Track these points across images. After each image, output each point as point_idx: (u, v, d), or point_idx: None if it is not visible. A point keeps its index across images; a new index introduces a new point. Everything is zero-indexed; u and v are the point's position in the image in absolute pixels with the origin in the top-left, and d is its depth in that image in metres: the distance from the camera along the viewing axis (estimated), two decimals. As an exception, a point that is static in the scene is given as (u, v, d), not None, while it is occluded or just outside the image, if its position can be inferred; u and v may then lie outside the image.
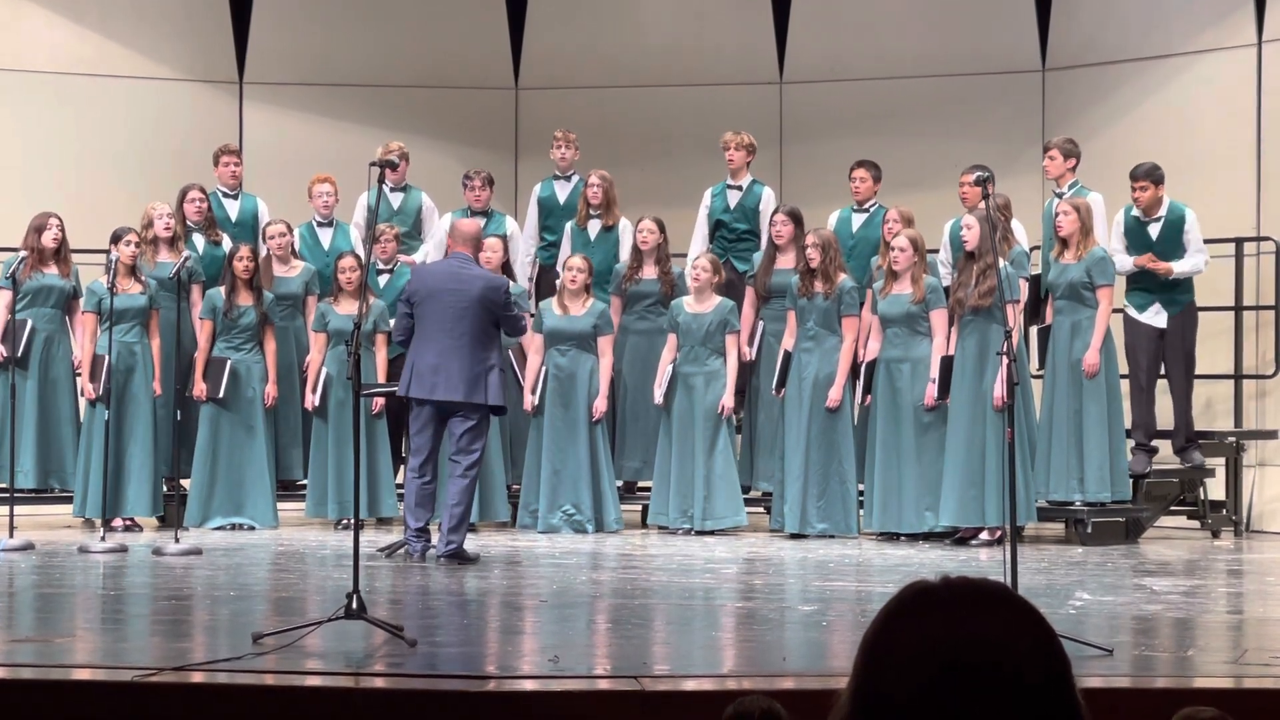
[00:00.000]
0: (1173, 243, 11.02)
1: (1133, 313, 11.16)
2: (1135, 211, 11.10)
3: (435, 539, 9.78)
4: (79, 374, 11.34)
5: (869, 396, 10.86)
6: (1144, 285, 11.12)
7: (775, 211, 11.64)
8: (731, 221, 12.12)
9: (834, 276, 10.99)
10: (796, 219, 11.48)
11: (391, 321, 11.67)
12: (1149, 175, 11.01)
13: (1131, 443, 11.12)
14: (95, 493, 10.82)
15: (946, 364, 10.56)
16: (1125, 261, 11.03)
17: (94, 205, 12.76)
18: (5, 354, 11.21)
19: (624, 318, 11.76)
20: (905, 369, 10.74)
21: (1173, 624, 7.39)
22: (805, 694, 5.35)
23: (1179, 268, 10.96)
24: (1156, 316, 11.10)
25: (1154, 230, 11.07)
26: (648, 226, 11.66)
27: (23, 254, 11.22)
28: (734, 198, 12.13)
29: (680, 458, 11.20)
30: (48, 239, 11.38)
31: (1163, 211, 11.06)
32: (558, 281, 11.67)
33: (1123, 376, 10.98)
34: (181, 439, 11.21)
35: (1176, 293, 11.09)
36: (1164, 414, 11.32)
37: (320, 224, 12.27)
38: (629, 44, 14.36)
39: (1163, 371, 11.24)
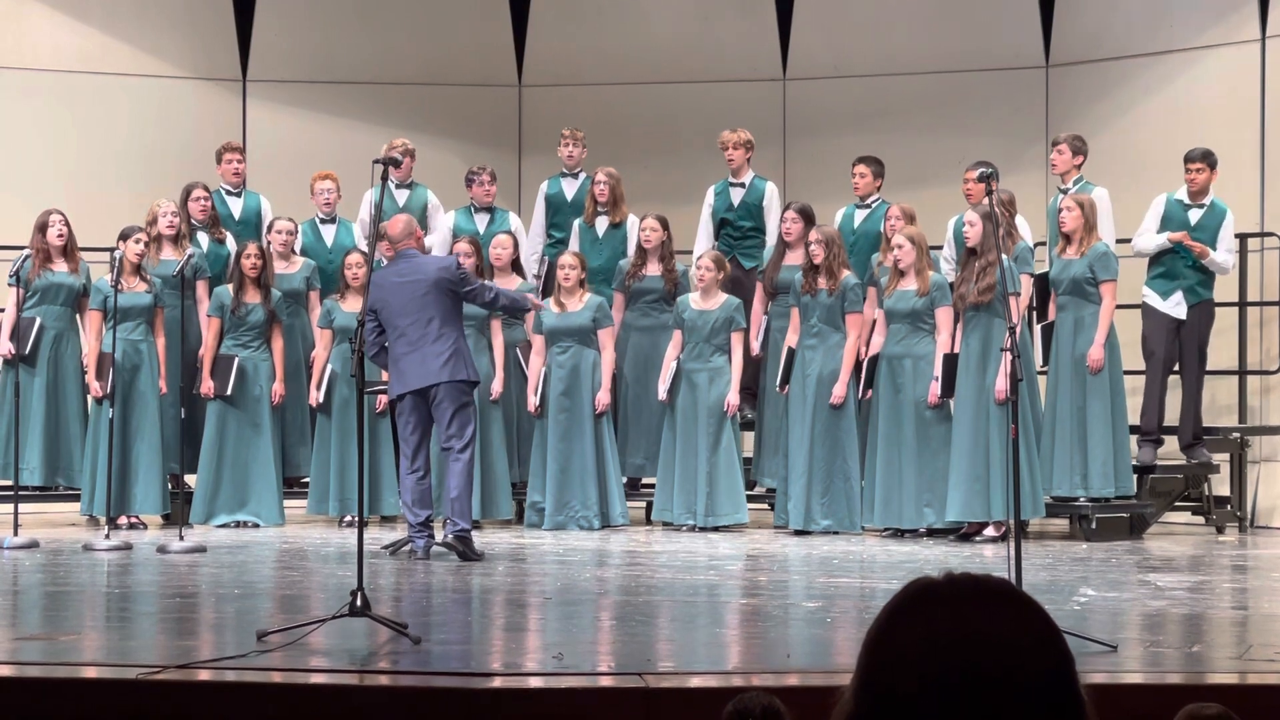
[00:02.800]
0: (1209, 233, 11.10)
1: (1154, 301, 11.16)
2: (1180, 195, 11.14)
3: (438, 535, 9.80)
4: (87, 371, 11.35)
5: (869, 391, 10.85)
6: (1169, 271, 11.12)
7: (787, 208, 11.64)
8: (735, 219, 12.12)
9: (838, 273, 10.98)
10: (807, 216, 11.48)
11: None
12: (1204, 158, 11.11)
13: (1138, 435, 11.13)
14: (103, 490, 10.82)
15: (950, 362, 10.55)
16: (1156, 239, 11.07)
17: (97, 203, 12.76)
18: (13, 351, 11.21)
19: (627, 314, 11.77)
20: (907, 365, 10.73)
21: (1177, 620, 7.38)
22: (809, 690, 5.34)
23: (1215, 255, 11.03)
24: (1177, 307, 11.11)
25: (1195, 215, 11.13)
26: (650, 225, 11.67)
27: (27, 253, 11.22)
28: (736, 195, 12.14)
29: (684, 454, 11.21)
30: (52, 236, 11.39)
31: (1208, 200, 11.12)
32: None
33: (1127, 372, 10.98)
34: (188, 437, 11.22)
35: (1199, 284, 11.12)
36: (1170, 409, 11.32)
37: (323, 221, 12.28)
38: (632, 41, 14.35)
39: (1175, 366, 11.25)
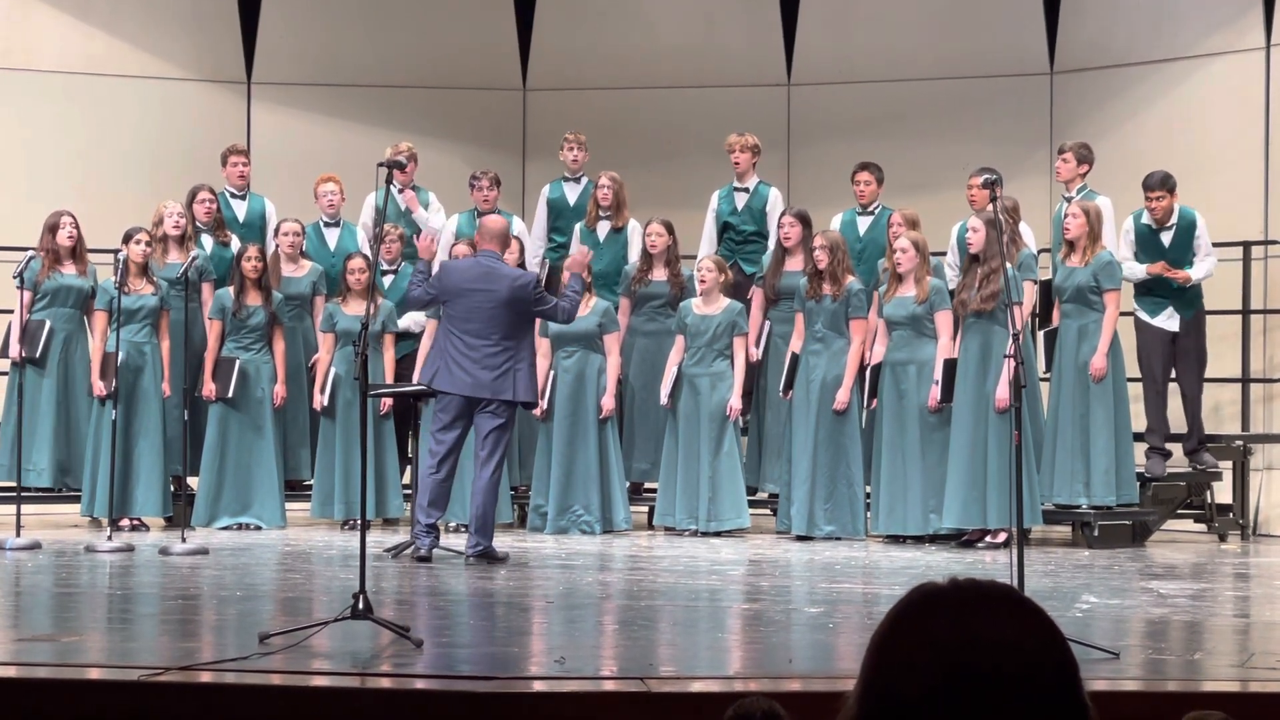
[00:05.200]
0: (1184, 248, 11.05)
1: (1144, 317, 11.16)
2: (1147, 219, 11.10)
3: (444, 539, 9.81)
4: (92, 372, 11.35)
5: (875, 399, 10.86)
6: (1156, 292, 11.12)
7: (783, 213, 11.65)
8: (739, 224, 12.12)
9: (842, 278, 10.99)
10: (805, 221, 11.49)
11: (399, 321, 11.69)
12: (1163, 184, 11.01)
13: (1146, 446, 11.13)
14: (104, 492, 10.82)
15: (950, 366, 10.55)
16: (1137, 269, 11.03)
17: (101, 205, 12.76)
18: (24, 354, 11.20)
19: (632, 319, 11.77)
20: (911, 371, 10.74)
21: (1180, 627, 7.38)
22: (811, 696, 5.35)
23: (1195, 274, 10.99)
24: (1169, 320, 11.11)
25: (1166, 238, 11.08)
26: (656, 230, 11.67)
27: (32, 253, 11.22)
28: (741, 199, 12.14)
29: (686, 459, 11.21)
30: (63, 238, 11.39)
31: (1174, 219, 11.07)
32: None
33: (1131, 380, 10.98)
34: (190, 439, 11.22)
35: (1188, 297, 11.11)
36: (1172, 417, 11.32)
37: (327, 224, 12.29)
38: (637, 45, 14.36)
39: (1173, 375, 11.25)
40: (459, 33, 14.40)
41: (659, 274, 11.73)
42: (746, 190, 12.15)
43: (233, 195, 12.33)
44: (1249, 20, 12.50)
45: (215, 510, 11.40)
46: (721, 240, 12.16)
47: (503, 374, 9.46)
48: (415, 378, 11.06)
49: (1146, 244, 11.10)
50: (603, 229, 12.14)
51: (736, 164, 12.12)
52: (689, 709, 5.38)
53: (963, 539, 10.60)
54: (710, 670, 6.28)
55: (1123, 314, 11.01)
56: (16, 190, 13.08)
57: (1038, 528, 10.98)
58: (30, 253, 11.23)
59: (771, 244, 11.84)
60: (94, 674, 5.92)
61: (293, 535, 11.17)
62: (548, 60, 14.45)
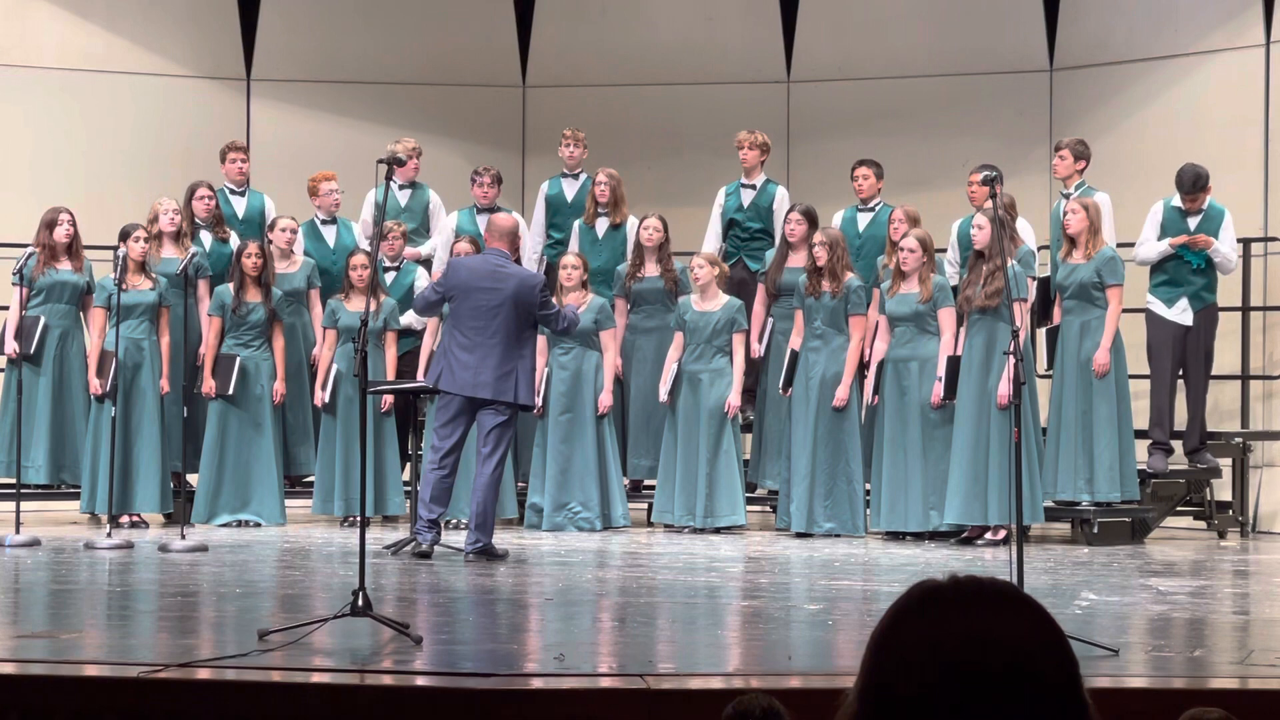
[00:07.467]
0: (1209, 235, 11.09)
1: (1159, 309, 11.15)
2: (1176, 202, 11.11)
3: (444, 536, 9.80)
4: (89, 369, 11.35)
5: (876, 396, 10.86)
6: (1172, 279, 11.11)
7: (791, 210, 11.65)
8: (745, 221, 12.12)
9: (841, 275, 10.99)
10: (811, 218, 11.49)
11: (401, 318, 11.69)
12: (1196, 185, 11.00)
13: (1149, 441, 11.13)
14: (103, 488, 10.82)
15: (954, 364, 10.56)
16: (1158, 246, 11.05)
17: (101, 201, 12.77)
18: (18, 350, 11.20)
19: (631, 318, 11.76)
20: (913, 368, 10.74)
21: (1179, 624, 7.38)
22: (810, 693, 5.35)
23: (1220, 245, 10.98)
24: (1183, 314, 11.09)
25: (1193, 222, 11.11)
26: (653, 224, 11.67)
27: (30, 250, 11.22)
28: (748, 197, 12.14)
29: (685, 456, 11.21)
30: (59, 234, 11.39)
31: (1204, 205, 11.11)
32: (564, 279, 11.68)
33: (1134, 376, 10.97)
34: (189, 435, 11.22)
35: (1204, 289, 11.11)
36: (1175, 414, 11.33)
37: (324, 221, 12.28)
38: (637, 42, 14.36)
39: (1180, 372, 11.25)
40: (458, 29, 14.40)
41: (651, 269, 11.74)
42: (753, 187, 12.15)
43: (232, 192, 12.33)
44: (1249, 17, 12.49)
45: (214, 507, 11.40)
46: (727, 237, 12.16)
47: (505, 374, 9.45)
48: (419, 376, 11.07)
49: (1172, 226, 11.11)
50: (601, 225, 12.15)
51: (744, 161, 12.11)
52: (688, 706, 5.38)
53: (962, 536, 10.60)
54: (710, 667, 6.27)
55: (1134, 309, 11.03)
56: (16, 187, 13.08)
57: (1037, 525, 10.98)
58: (29, 249, 11.23)
59: (778, 242, 11.85)
60: (93, 671, 5.91)
61: (292, 532, 11.17)
62: (547, 57, 14.45)
